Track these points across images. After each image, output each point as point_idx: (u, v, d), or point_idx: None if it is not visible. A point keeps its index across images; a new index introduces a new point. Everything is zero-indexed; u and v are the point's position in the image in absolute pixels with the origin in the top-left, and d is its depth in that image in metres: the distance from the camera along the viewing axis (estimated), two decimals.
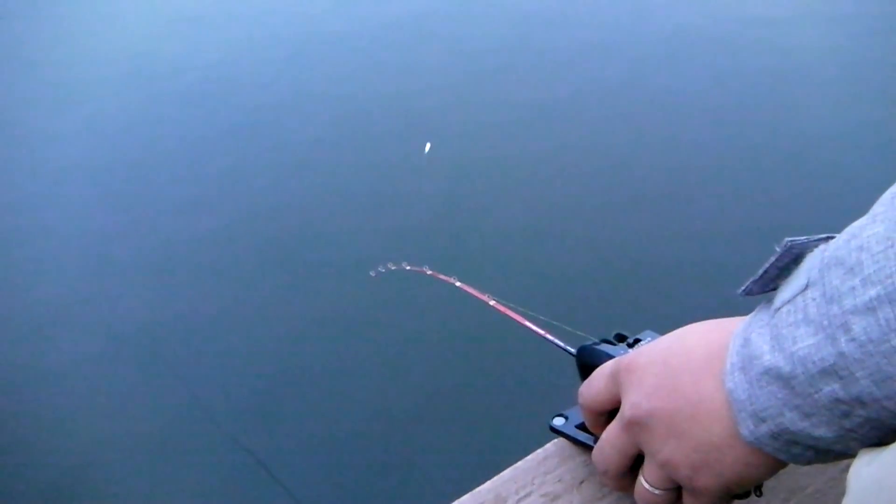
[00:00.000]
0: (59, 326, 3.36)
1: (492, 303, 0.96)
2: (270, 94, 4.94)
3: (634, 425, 0.53)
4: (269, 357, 3.10)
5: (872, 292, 0.40)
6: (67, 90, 5.29)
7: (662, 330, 0.65)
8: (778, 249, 0.47)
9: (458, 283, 1.03)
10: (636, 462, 0.56)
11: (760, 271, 0.48)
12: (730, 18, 5.49)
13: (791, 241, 0.47)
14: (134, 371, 3.12)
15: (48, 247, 3.83)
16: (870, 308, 0.40)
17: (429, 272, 1.10)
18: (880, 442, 0.42)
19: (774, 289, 0.48)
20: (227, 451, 2.75)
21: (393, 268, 1.15)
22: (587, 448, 0.66)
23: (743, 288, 0.50)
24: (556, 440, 0.70)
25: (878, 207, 0.43)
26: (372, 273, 1.18)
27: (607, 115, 4.37)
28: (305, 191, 3.97)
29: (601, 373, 0.59)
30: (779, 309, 0.46)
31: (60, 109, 5.08)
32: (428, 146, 4.03)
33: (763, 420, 0.45)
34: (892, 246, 0.40)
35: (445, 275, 1.05)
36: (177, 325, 3.30)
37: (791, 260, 0.47)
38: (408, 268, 1.12)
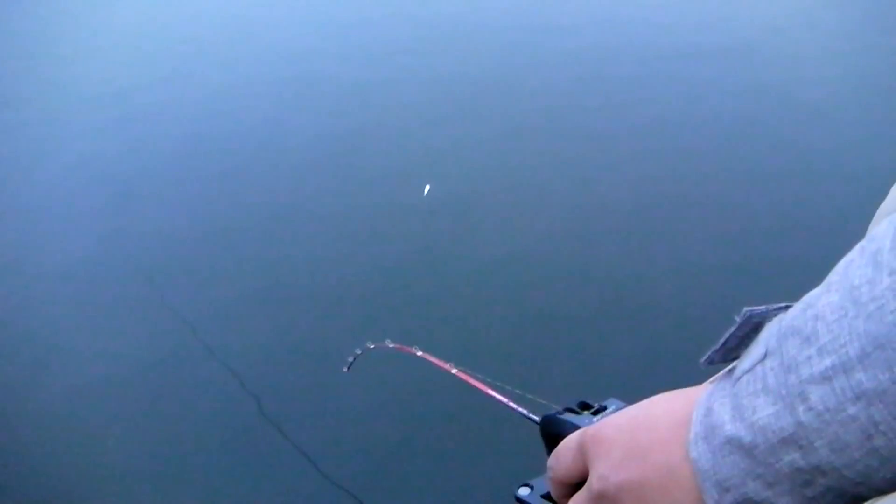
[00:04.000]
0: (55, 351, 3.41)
1: (454, 371, 0.95)
2: (249, 140, 5.01)
3: (603, 498, 0.52)
4: (227, 416, 3.07)
5: (828, 362, 0.41)
6: (55, 127, 5.33)
7: (627, 397, 0.65)
8: (737, 319, 0.48)
9: (419, 353, 1.03)
10: None
11: (721, 341, 0.49)
12: (723, 36, 5.65)
13: (750, 310, 0.47)
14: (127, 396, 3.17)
15: (49, 261, 3.96)
16: (825, 377, 0.40)
17: (391, 345, 1.10)
18: None
19: (736, 358, 0.49)
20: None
21: (359, 352, 1.16)
22: None
23: (705, 358, 0.50)
24: None
25: (833, 276, 0.44)
26: (345, 369, 1.19)
27: (573, 175, 4.40)
28: (270, 253, 3.99)
29: (567, 445, 0.58)
30: (739, 378, 0.46)
31: (49, 147, 5.15)
32: (427, 188, 4.07)
33: (727, 490, 0.45)
34: (845, 315, 0.41)
35: (406, 345, 1.06)
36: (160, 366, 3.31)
37: (751, 329, 0.48)
38: (371, 346, 1.13)
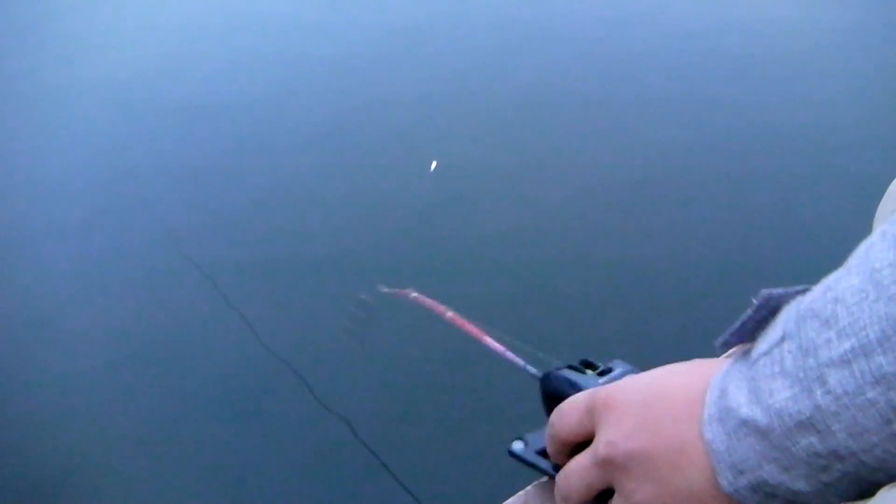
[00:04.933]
0: (58, 332, 3.42)
1: (449, 314, 0.94)
2: (252, 115, 4.93)
3: (609, 464, 0.52)
4: (233, 369, 3.09)
5: (847, 345, 0.40)
6: (56, 117, 5.24)
7: (631, 358, 0.64)
8: (755, 302, 0.47)
9: (414, 294, 1.02)
10: (600, 495, 0.55)
11: (738, 324, 0.48)
12: (724, 20, 5.54)
13: (768, 293, 0.47)
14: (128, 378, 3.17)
15: (44, 255, 3.94)
16: (845, 361, 0.40)
17: (384, 290, 1.09)
18: (859, 496, 0.42)
19: (752, 340, 0.48)
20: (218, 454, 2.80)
21: (363, 296, 1.15)
22: (545, 473, 0.65)
23: (721, 340, 0.50)
24: (536, 482, 0.69)
25: (853, 259, 0.43)
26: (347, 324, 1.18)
27: (584, 126, 4.36)
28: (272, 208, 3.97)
29: (575, 405, 0.58)
30: (756, 361, 0.45)
31: (49, 131, 5.07)
32: (434, 164, 4.03)
33: (742, 472, 0.45)
34: (866, 298, 0.40)
35: (401, 288, 1.04)
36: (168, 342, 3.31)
37: (768, 312, 0.47)
38: (363, 297, 1.12)
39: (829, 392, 0.41)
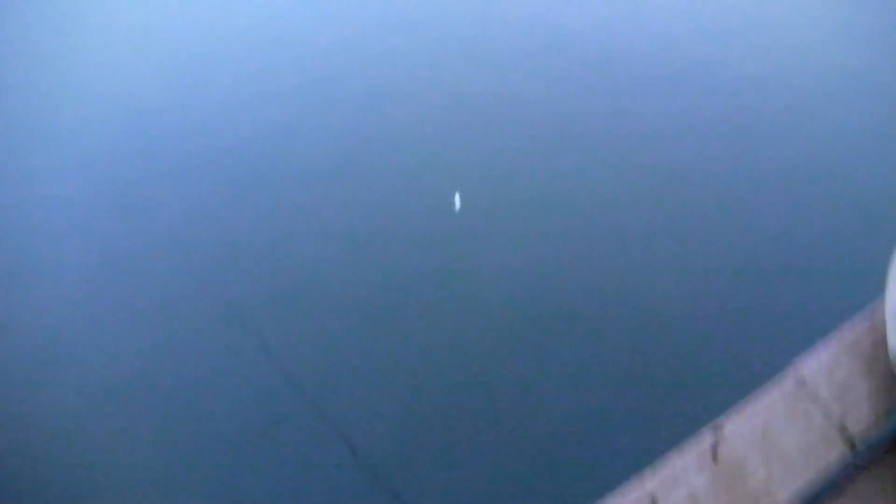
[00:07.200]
0: (74, 356, 3.44)
1: None
2: (255, 138, 5.00)
3: None
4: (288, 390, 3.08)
5: None
6: (62, 128, 5.33)
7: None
8: None
9: None
10: None
11: None
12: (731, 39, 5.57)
13: None
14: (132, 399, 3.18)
15: (50, 261, 3.97)
16: None
17: None
18: None
19: None
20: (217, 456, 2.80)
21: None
22: None
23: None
24: None
25: None
26: None
27: (582, 183, 4.36)
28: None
29: None
30: None
31: (55, 145, 5.17)
32: (458, 199, 4.07)
33: None
34: None
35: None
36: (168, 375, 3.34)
37: None
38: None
39: None
